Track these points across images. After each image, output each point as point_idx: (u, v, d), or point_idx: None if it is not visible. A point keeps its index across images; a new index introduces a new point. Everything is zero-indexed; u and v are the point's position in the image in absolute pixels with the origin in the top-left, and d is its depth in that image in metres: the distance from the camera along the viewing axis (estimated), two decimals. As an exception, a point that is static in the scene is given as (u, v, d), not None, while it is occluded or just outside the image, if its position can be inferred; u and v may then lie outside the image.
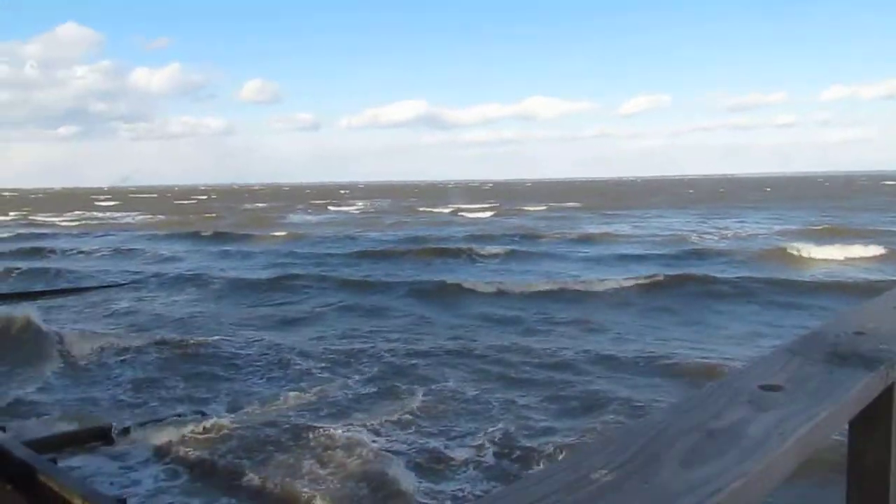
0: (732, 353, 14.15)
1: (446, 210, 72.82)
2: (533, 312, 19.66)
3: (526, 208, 73.62)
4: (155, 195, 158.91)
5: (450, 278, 24.71)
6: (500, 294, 22.21)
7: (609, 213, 63.89)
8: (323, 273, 26.32)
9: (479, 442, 10.06)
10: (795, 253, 29.40)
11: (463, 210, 72.39)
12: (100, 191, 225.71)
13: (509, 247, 33.28)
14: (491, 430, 10.44)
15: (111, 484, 8.41)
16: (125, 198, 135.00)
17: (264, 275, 26.57)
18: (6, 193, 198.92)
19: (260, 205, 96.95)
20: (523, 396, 12.00)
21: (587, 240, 38.40)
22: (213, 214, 70.87)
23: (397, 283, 24.27)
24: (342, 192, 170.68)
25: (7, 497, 5.57)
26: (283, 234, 44.72)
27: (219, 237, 43.67)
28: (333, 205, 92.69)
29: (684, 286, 21.94)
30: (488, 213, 66.72)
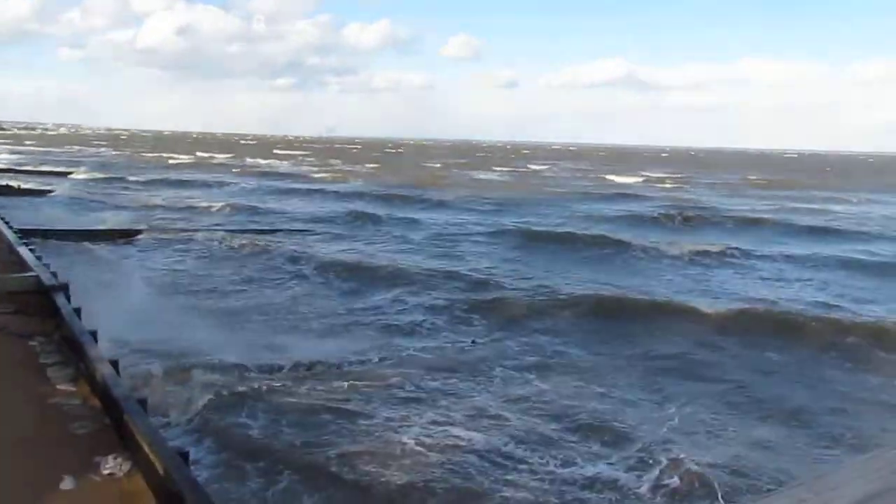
0: None
1: (638, 179, 62.53)
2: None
3: (735, 182, 61.26)
4: (352, 146, 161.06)
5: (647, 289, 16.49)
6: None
7: (844, 194, 49.87)
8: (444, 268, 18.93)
9: None
10: None
11: (658, 181, 61.81)
12: (305, 139, 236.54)
13: (724, 241, 23.76)
14: None
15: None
16: (319, 148, 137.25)
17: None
18: (219, 134, 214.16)
19: (436, 164, 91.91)
20: None
21: (837, 233, 27.80)
22: (375, 166, 66.71)
23: (562, 292, 16.28)
24: (525, 151, 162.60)
25: (104, 430, 5.64)
26: (444, 196, 38.25)
27: (355, 196, 38.18)
28: (514, 165, 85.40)
29: None
30: (688, 187, 55.66)
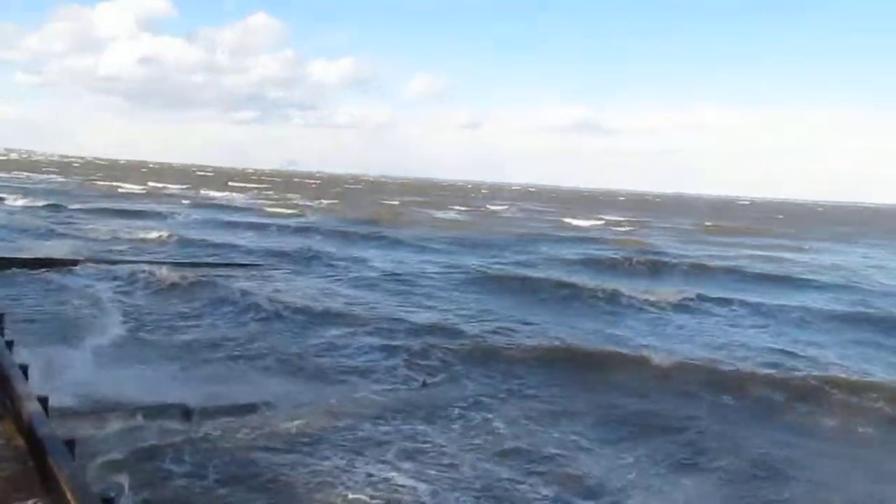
0: None
1: (596, 222, 63.19)
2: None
3: (691, 228, 62.25)
4: (312, 181, 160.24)
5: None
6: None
7: (796, 242, 50.67)
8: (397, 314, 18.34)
9: None
10: None
11: (615, 224, 62.54)
12: (265, 172, 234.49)
13: (680, 287, 23.76)
14: None
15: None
16: (278, 182, 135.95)
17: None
18: (177, 164, 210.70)
19: (395, 202, 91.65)
20: None
21: (790, 281, 28.15)
22: (334, 201, 66.08)
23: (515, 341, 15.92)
24: (484, 191, 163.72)
25: (26, 473, 5.35)
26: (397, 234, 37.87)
27: (312, 231, 37.65)
28: (474, 205, 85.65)
29: None
30: (646, 232, 56.39)
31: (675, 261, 32.07)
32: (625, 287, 22.77)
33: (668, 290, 22.55)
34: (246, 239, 33.08)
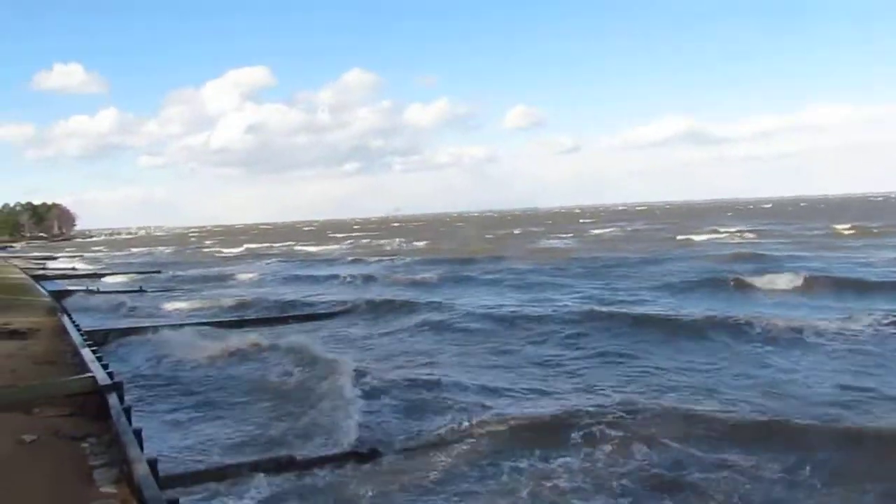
0: None
1: (715, 236, 57.11)
2: None
3: (822, 233, 55.16)
4: (415, 223, 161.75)
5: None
6: None
7: None
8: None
9: None
10: None
11: (736, 236, 56.37)
12: (371, 221, 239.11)
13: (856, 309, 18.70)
14: None
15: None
16: (380, 229, 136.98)
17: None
18: (290, 222, 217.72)
19: (495, 235, 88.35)
20: None
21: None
22: (431, 242, 63.51)
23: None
24: (591, 214, 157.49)
25: None
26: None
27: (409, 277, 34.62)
28: (580, 230, 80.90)
29: None
30: (772, 242, 50.02)
31: (829, 277, 26.41)
32: (780, 317, 18.06)
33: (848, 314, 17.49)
34: (326, 291, 30.85)
